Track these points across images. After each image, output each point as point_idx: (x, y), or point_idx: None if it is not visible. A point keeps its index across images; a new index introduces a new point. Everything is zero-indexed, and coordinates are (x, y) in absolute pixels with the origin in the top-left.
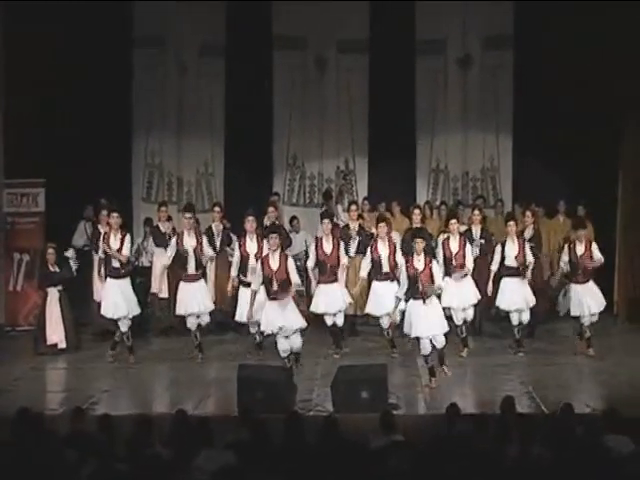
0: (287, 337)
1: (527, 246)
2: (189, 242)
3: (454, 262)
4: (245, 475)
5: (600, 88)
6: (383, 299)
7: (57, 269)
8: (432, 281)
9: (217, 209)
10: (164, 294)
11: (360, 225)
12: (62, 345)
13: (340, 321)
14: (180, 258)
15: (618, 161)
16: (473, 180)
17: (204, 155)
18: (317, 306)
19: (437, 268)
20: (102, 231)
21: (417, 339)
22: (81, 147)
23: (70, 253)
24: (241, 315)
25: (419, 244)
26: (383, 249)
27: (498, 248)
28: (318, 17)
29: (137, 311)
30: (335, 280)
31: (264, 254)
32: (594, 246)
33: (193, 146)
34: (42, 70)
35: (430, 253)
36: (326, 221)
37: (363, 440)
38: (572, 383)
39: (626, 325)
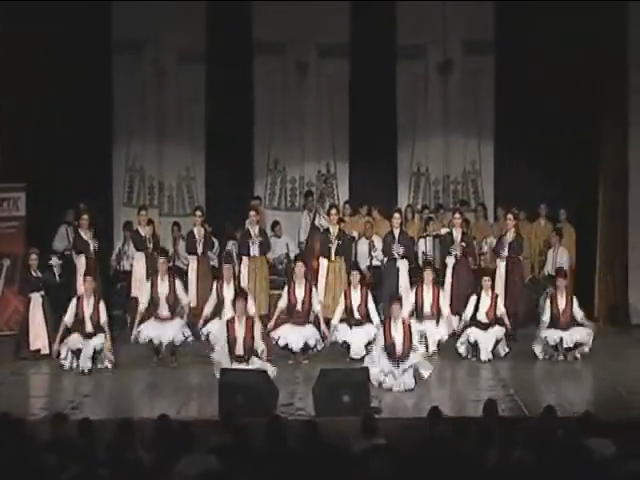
0: None
1: (499, 300)
2: (162, 288)
3: (426, 310)
4: (227, 479)
5: (579, 90)
6: (354, 345)
7: (39, 274)
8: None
9: (198, 213)
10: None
11: (340, 229)
12: (45, 351)
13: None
14: (153, 301)
15: (598, 164)
16: (454, 183)
17: (185, 159)
18: (282, 339)
19: (443, 297)
20: (84, 235)
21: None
22: (62, 151)
23: (54, 261)
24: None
25: (396, 307)
26: (355, 297)
27: (472, 299)
28: (298, 22)
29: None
30: (306, 322)
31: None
32: (575, 303)
33: (174, 150)
34: (22, 74)
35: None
36: (300, 264)
37: (345, 444)
38: (554, 386)
39: (607, 328)
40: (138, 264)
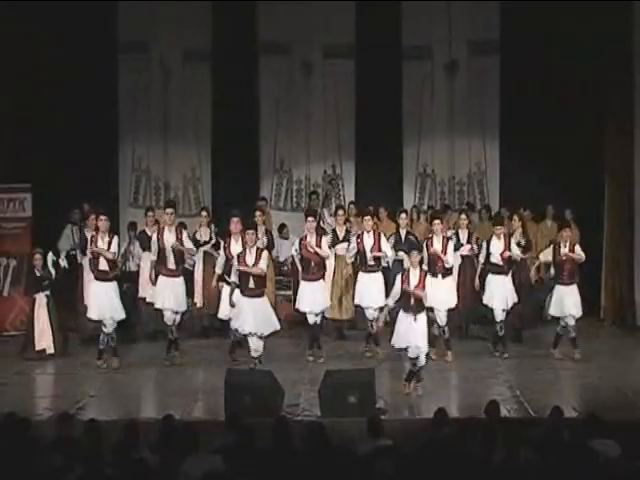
0: (260, 338)
1: (513, 243)
2: (169, 238)
3: (438, 262)
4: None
5: (584, 91)
6: (368, 291)
7: (43, 274)
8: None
9: (204, 214)
10: (151, 299)
11: (347, 230)
12: (50, 351)
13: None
14: (160, 253)
15: (604, 164)
16: (460, 184)
17: (191, 160)
18: (301, 304)
19: (451, 248)
20: (89, 235)
21: (404, 350)
22: (68, 152)
23: (49, 257)
24: (224, 312)
25: (414, 257)
26: (368, 241)
27: (483, 244)
28: (304, 22)
29: (122, 316)
30: (319, 278)
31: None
32: (577, 247)
33: (180, 151)
34: (28, 74)
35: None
36: (310, 219)
37: (350, 445)
38: (559, 387)
39: (612, 329)
40: (146, 265)
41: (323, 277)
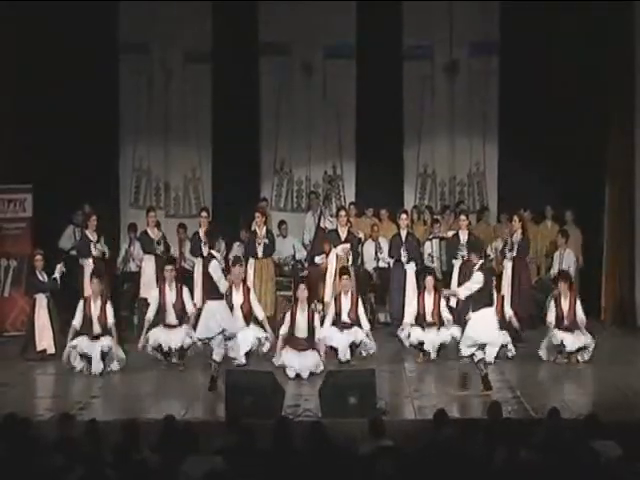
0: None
1: (506, 302)
2: (170, 296)
3: (430, 318)
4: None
5: (584, 92)
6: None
7: (45, 275)
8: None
9: (204, 214)
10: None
11: (349, 230)
12: (51, 351)
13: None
14: (160, 309)
15: (604, 165)
16: (460, 185)
17: (191, 160)
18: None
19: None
20: (91, 237)
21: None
22: (68, 152)
23: (58, 270)
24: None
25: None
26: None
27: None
28: (304, 23)
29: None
30: (308, 348)
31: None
32: (579, 306)
33: (180, 151)
34: (28, 75)
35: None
36: (302, 286)
37: (351, 445)
38: (559, 388)
39: (613, 330)
40: (147, 266)
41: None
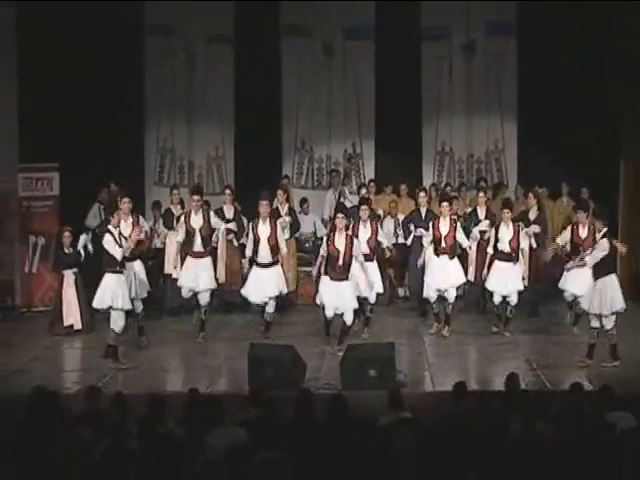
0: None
1: (522, 231)
2: (196, 221)
3: (443, 243)
4: (256, 452)
5: (601, 70)
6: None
7: (72, 252)
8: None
9: (228, 192)
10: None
11: (371, 207)
12: (78, 326)
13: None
14: (188, 236)
15: (620, 143)
16: (478, 162)
17: (215, 139)
18: (325, 302)
19: (460, 229)
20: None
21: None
22: (95, 132)
23: (81, 242)
24: (247, 291)
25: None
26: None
27: (492, 232)
28: (324, 5)
29: (144, 294)
30: (346, 278)
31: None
32: (597, 235)
33: (204, 130)
34: (56, 56)
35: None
36: (340, 215)
37: (371, 417)
38: (576, 360)
39: (629, 304)
40: (171, 244)
41: (347, 278)
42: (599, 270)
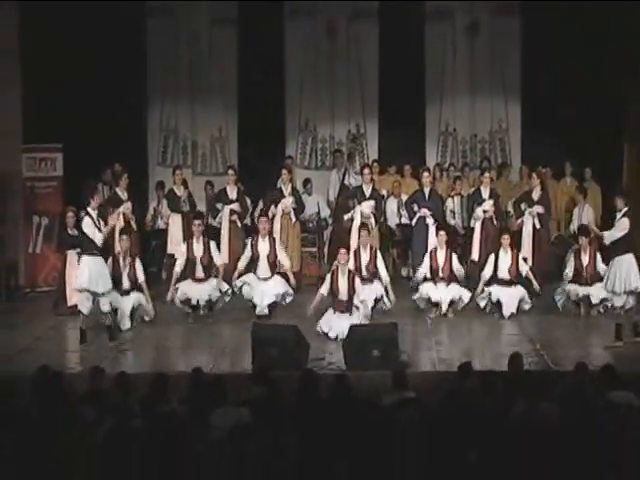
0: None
1: (520, 258)
2: (198, 250)
3: (441, 273)
4: (259, 431)
5: (604, 50)
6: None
7: (76, 232)
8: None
9: (231, 172)
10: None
11: (373, 187)
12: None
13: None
14: (189, 263)
15: (624, 123)
16: (481, 142)
17: (218, 119)
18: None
19: (456, 260)
20: (121, 195)
21: None
22: (98, 113)
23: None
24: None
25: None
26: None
27: (491, 258)
28: None
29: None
30: (350, 312)
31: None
32: (599, 258)
33: (207, 111)
34: (59, 37)
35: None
36: (343, 251)
37: (374, 397)
38: (580, 341)
39: None
40: (174, 224)
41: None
42: (617, 248)
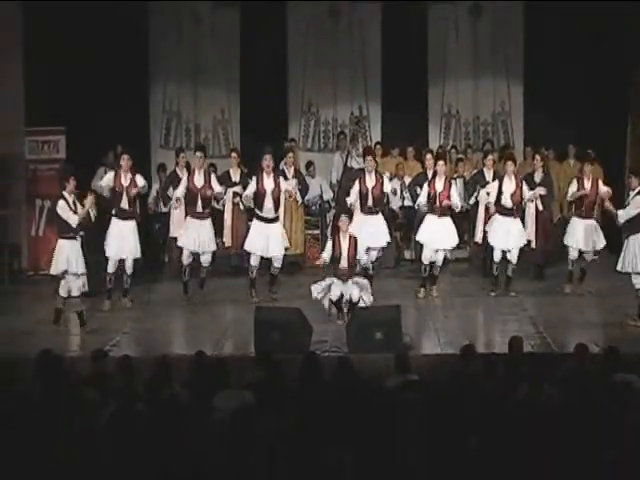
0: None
1: (524, 184)
2: (198, 181)
3: (438, 201)
4: (262, 414)
5: (607, 32)
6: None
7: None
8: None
9: (234, 155)
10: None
11: (377, 170)
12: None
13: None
14: (190, 195)
15: (627, 104)
16: (484, 124)
17: (221, 102)
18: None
19: (455, 190)
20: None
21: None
22: (101, 95)
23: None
24: (251, 245)
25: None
26: (370, 182)
27: (495, 184)
28: None
29: (138, 255)
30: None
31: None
32: (601, 184)
33: (210, 93)
34: (61, 19)
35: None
36: (344, 217)
37: (377, 379)
38: (582, 323)
39: None
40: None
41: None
42: (632, 227)
